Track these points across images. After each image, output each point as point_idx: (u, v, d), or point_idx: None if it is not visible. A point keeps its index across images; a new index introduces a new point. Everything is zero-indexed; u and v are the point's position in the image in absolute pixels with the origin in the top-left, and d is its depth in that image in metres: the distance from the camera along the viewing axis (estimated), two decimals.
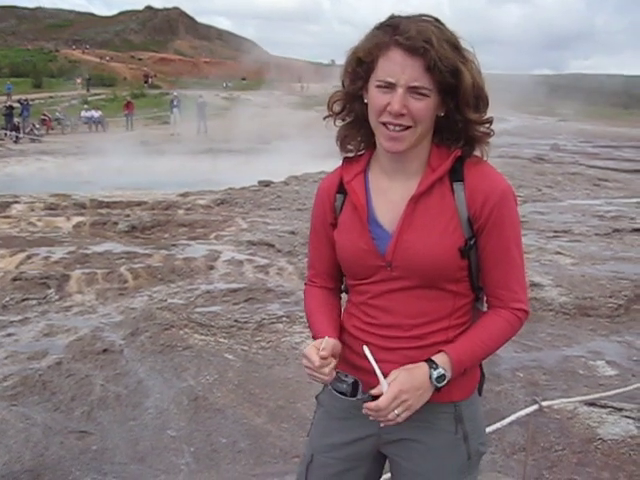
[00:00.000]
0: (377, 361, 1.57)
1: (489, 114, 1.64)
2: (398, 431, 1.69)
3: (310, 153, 17.43)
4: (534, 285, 6.36)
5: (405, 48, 1.50)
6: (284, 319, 5.59)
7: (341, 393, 1.67)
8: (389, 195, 1.68)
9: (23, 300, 6.03)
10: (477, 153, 1.67)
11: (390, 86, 1.54)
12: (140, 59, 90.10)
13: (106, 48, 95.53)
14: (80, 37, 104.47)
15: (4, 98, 38.19)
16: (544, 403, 3.34)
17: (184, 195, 12.08)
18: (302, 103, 41.73)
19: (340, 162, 1.80)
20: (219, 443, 3.79)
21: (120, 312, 5.79)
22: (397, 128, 1.56)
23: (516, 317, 1.66)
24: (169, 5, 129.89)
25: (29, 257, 7.24)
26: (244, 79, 72.83)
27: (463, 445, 1.70)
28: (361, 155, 1.77)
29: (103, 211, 10.53)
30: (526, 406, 3.47)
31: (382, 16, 1.59)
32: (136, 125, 33.69)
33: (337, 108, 1.71)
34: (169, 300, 6.03)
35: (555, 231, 9.40)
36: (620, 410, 4.10)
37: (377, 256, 1.65)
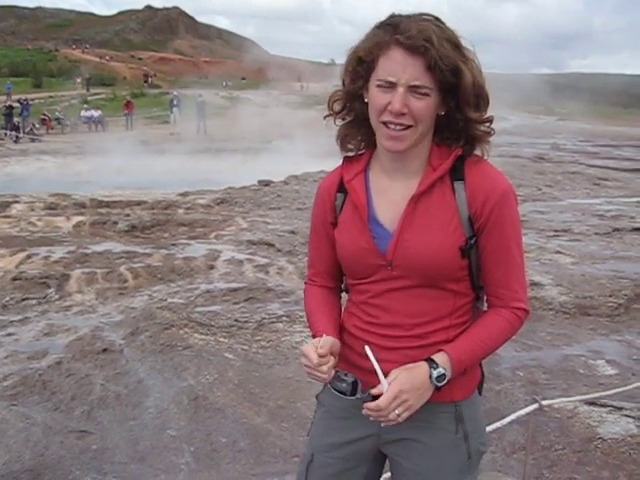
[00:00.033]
0: (378, 361, 1.57)
1: (489, 113, 1.64)
2: (398, 431, 1.69)
3: (310, 152, 17.42)
4: (534, 284, 6.36)
5: (406, 47, 1.50)
6: (284, 318, 5.59)
7: (341, 392, 1.67)
8: (389, 194, 1.68)
9: (23, 300, 6.03)
10: (478, 152, 1.67)
11: (391, 85, 1.53)
12: (140, 59, 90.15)
13: (106, 48, 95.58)
14: (80, 37, 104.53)
15: (4, 98, 38.20)
16: (544, 402, 3.34)
17: (184, 194, 12.08)
18: (302, 102, 41.74)
19: (340, 161, 1.80)
20: (219, 442, 3.79)
21: (120, 312, 5.79)
22: (398, 127, 1.56)
23: (516, 316, 1.66)
24: (169, 4, 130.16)
25: (29, 257, 7.24)
26: (244, 78, 72.90)
27: (463, 445, 1.70)
28: (361, 154, 1.76)
29: (103, 211, 10.53)
30: (526, 405, 3.47)
31: (382, 15, 1.59)
32: (136, 125, 33.68)
33: (337, 107, 1.71)
34: (169, 299, 6.03)
35: (555, 230, 9.40)
36: (620, 409, 4.10)
37: (378, 255, 1.65)
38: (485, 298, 1.73)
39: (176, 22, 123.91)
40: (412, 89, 1.52)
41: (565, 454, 3.67)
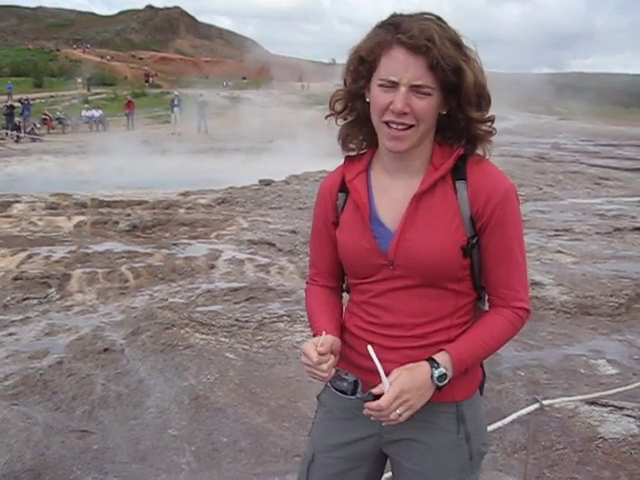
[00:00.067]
0: (380, 361, 1.56)
1: (491, 112, 1.64)
2: (400, 431, 1.69)
3: (311, 152, 17.43)
4: (535, 284, 6.35)
5: (408, 47, 1.50)
6: (285, 318, 5.59)
7: (341, 391, 1.67)
8: (391, 194, 1.68)
9: (24, 299, 6.04)
10: (479, 151, 1.66)
11: (393, 85, 1.53)
12: (141, 58, 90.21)
13: (107, 47, 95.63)
14: (81, 36, 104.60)
15: (5, 97, 38.26)
16: (545, 402, 3.33)
17: (185, 194, 12.08)
18: (303, 102, 41.73)
19: (342, 161, 1.80)
20: (220, 442, 3.79)
21: (121, 311, 5.80)
22: (400, 127, 1.56)
23: (518, 316, 1.66)
24: (170, 4, 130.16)
25: (30, 256, 7.24)
26: (244, 78, 72.90)
27: (465, 445, 1.70)
28: (363, 154, 1.76)
29: (104, 210, 10.54)
30: (527, 405, 3.47)
31: (382, 15, 1.59)
32: (137, 124, 33.69)
33: (339, 107, 1.71)
34: (170, 299, 6.03)
35: (556, 230, 9.39)
36: (621, 409, 4.10)
37: (379, 255, 1.65)
38: (487, 298, 1.73)
39: (177, 22, 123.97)
40: (414, 88, 1.52)
41: (566, 454, 3.67)
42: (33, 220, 9.54)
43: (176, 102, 32.42)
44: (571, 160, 19.65)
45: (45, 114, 33.13)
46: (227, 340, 5.19)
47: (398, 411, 1.53)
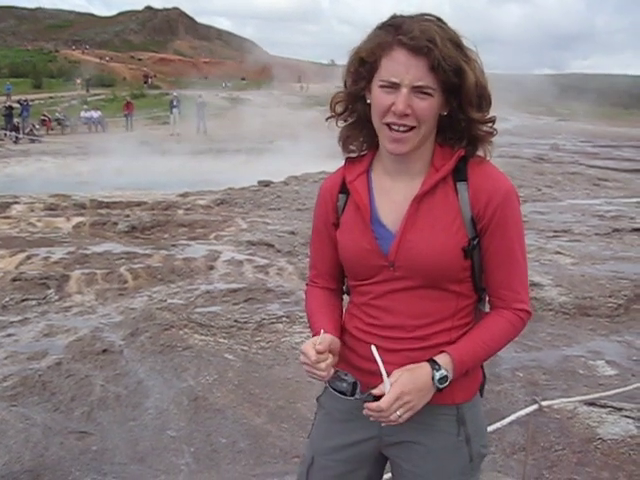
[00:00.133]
0: (383, 361, 1.55)
1: (491, 113, 1.64)
2: (400, 433, 1.68)
3: (310, 153, 17.44)
4: (534, 285, 6.35)
5: (409, 48, 1.50)
6: (284, 319, 5.59)
7: (340, 392, 1.66)
8: (392, 195, 1.67)
9: (23, 300, 6.03)
10: (480, 153, 1.66)
11: (394, 86, 1.53)
12: (140, 59, 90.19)
13: (106, 48, 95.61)
14: (80, 37, 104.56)
15: (4, 98, 38.20)
16: (544, 403, 3.34)
17: (184, 195, 12.08)
18: (302, 103, 41.75)
19: (342, 162, 1.80)
20: (219, 443, 3.79)
21: (120, 312, 5.79)
22: (401, 129, 1.55)
23: (518, 318, 1.66)
24: (169, 5, 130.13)
25: (29, 257, 7.23)
26: (243, 79, 72.88)
27: (465, 447, 1.69)
28: (364, 155, 1.76)
29: (103, 211, 10.54)
30: (526, 406, 3.47)
31: (381, 16, 1.59)
32: (136, 125, 33.67)
33: (339, 109, 1.70)
34: (169, 300, 6.03)
35: (555, 231, 9.40)
36: (620, 410, 4.10)
37: (380, 256, 1.64)
38: (487, 299, 1.73)
39: (176, 23, 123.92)
40: (415, 90, 1.52)
41: (565, 455, 3.67)
42: (32, 221, 9.54)
43: (175, 103, 32.41)
44: (570, 161, 19.68)
45: (44, 115, 33.10)
46: (226, 341, 5.19)
47: (398, 412, 1.52)
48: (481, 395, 1.79)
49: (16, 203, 10.71)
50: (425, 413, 1.59)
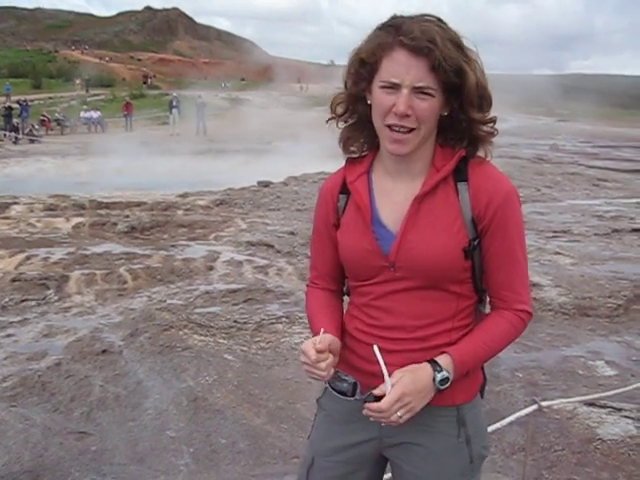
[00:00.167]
0: (385, 362, 1.55)
1: (491, 114, 1.64)
2: (400, 434, 1.68)
3: (310, 154, 17.43)
4: (533, 285, 6.35)
5: (409, 48, 1.50)
6: (283, 320, 5.59)
7: (340, 392, 1.65)
8: (393, 196, 1.67)
9: (22, 301, 6.03)
10: (480, 153, 1.66)
11: (395, 87, 1.53)
12: (139, 60, 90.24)
13: (105, 49, 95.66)
14: (79, 38, 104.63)
15: (3, 99, 38.23)
16: (543, 403, 3.34)
17: (183, 196, 12.07)
18: (302, 103, 41.76)
19: (341, 163, 1.80)
20: (218, 444, 3.79)
21: (119, 313, 5.79)
22: (402, 129, 1.55)
23: (519, 319, 1.65)
24: (168, 6, 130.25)
25: (28, 258, 7.23)
26: (243, 79, 72.91)
27: (465, 449, 1.69)
28: (364, 156, 1.75)
29: (102, 212, 10.53)
30: (525, 406, 3.47)
31: (381, 16, 1.59)
32: (135, 126, 33.67)
33: (340, 110, 1.70)
34: (168, 301, 6.03)
35: (554, 231, 9.40)
36: (619, 410, 4.10)
37: (381, 256, 1.64)
38: (488, 301, 1.73)
39: (175, 23, 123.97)
40: (416, 90, 1.52)
41: (564, 455, 3.67)
42: (31, 221, 9.54)
43: (175, 103, 32.41)
44: (570, 161, 19.68)
45: (43, 115, 33.10)
46: (225, 341, 5.19)
47: (399, 413, 1.52)
48: (481, 396, 1.78)
49: (15, 203, 10.71)
50: (425, 414, 1.59)
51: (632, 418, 4.01)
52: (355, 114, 1.69)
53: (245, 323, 5.48)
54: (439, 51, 1.48)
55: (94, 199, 11.35)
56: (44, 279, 6.45)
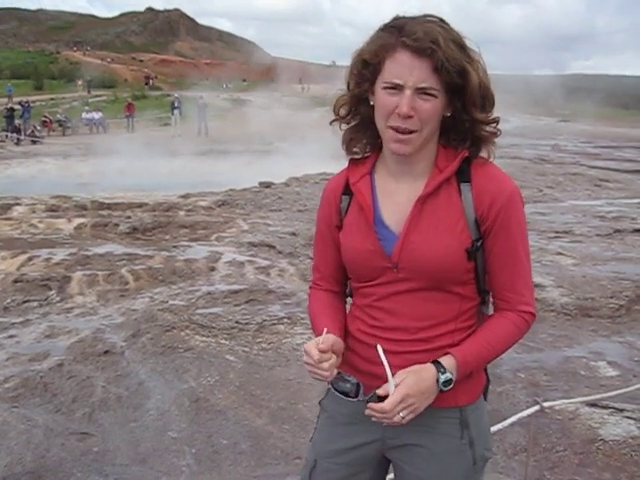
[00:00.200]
0: (389, 361, 1.54)
1: (494, 114, 1.63)
2: (402, 436, 1.68)
3: (311, 154, 17.44)
4: (535, 286, 6.25)
5: (412, 49, 1.49)
6: (285, 320, 5.59)
7: (344, 393, 1.65)
8: (395, 197, 1.67)
9: (24, 302, 6.04)
10: (483, 154, 1.66)
11: (398, 87, 1.52)
12: (141, 60, 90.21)
13: (107, 50, 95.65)
14: (81, 39, 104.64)
15: (5, 100, 38.26)
16: (545, 404, 3.33)
17: (185, 196, 12.08)
18: (303, 104, 41.74)
19: (343, 163, 1.80)
20: (220, 444, 3.79)
21: (121, 314, 5.80)
22: (405, 131, 1.55)
23: (523, 320, 1.65)
24: (170, 7, 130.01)
25: (30, 259, 7.24)
26: (245, 80, 72.92)
27: (469, 451, 1.68)
28: (367, 157, 1.75)
29: (104, 213, 10.54)
30: (527, 407, 3.47)
31: (383, 18, 1.58)
32: (137, 127, 33.68)
33: (343, 112, 1.70)
34: (170, 301, 6.03)
35: (556, 232, 9.40)
36: (621, 411, 4.10)
37: (383, 257, 1.64)
38: (491, 302, 1.72)
39: (177, 24, 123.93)
40: (419, 91, 1.52)
41: (566, 456, 3.67)
42: (33, 222, 9.55)
43: (176, 104, 32.43)
44: (571, 162, 19.67)
45: (45, 116, 33.12)
46: (227, 342, 5.19)
47: (402, 414, 1.51)
48: (485, 398, 1.77)
49: (18, 204, 10.72)
50: (428, 416, 1.59)
51: (634, 419, 4.00)
52: (358, 115, 1.69)
53: (247, 324, 5.48)
54: (442, 52, 1.48)
55: (96, 200, 11.36)
56: (46, 280, 6.46)
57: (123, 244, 8.32)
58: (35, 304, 6.02)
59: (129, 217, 9.99)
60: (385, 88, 1.55)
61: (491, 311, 1.73)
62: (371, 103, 1.62)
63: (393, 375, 1.53)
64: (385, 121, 1.57)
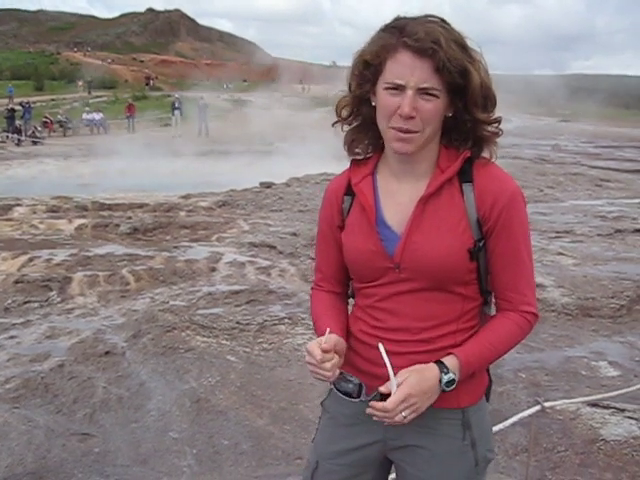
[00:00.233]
0: (390, 359, 1.53)
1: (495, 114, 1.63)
2: (404, 437, 1.68)
3: (312, 155, 17.43)
4: (536, 286, 6.33)
5: (414, 50, 1.49)
6: (286, 321, 5.59)
7: (346, 393, 1.64)
8: (398, 197, 1.67)
9: (25, 302, 6.04)
10: (485, 154, 1.66)
11: (399, 88, 1.52)
12: (141, 61, 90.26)
13: (107, 50, 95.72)
14: (81, 39, 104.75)
15: (6, 101, 38.29)
16: (546, 404, 3.33)
17: (186, 197, 12.08)
18: (304, 105, 41.74)
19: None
20: (221, 445, 3.79)
21: (122, 314, 5.80)
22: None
23: (526, 320, 1.65)
24: (170, 7, 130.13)
25: (31, 259, 7.24)
26: (245, 81, 72.95)
27: (471, 452, 1.68)
28: (369, 158, 1.75)
29: (105, 213, 10.54)
30: (528, 407, 3.47)
31: (383, 18, 1.58)
32: (138, 127, 33.69)
33: (345, 113, 1.70)
34: (171, 302, 6.03)
35: (557, 232, 9.39)
36: (623, 411, 4.09)
37: (385, 257, 1.63)
38: (493, 302, 1.72)
39: (177, 25, 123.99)
40: (421, 91, 1.52)
41: (568, 456, 3.67)
42: (34, 223, 9.55)
43: (177, 105, 32.44)
44: (572, 162, 19.66)
45: (46, 117, 33.13)
46: (228, 343, 5.19)
47: (403, 414, 1.51)
48: (487, 399, 1.77)
49: (18, 205, 10.72)
50: (430, 417, 1.59)
51: (635, 419, 4.00)
52: (360, 116, 1.69)
53: (248, 324, 5.48)
54: (443, 52, 1.48)
55: (96, 200, 11.36)
56: (47, 281, 6.46)
57: (124, 245, 8.32)
58: (36, 305, 6.02)
59: (130, 218, 9.99)
60: (387, 89, 1.55)
61: (493, 312, 1.72)
62: (373, 104, 1.62)
63: (395, 374, 1.53)
64: (387, 122, 1.57)
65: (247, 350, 5.08)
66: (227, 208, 11.25)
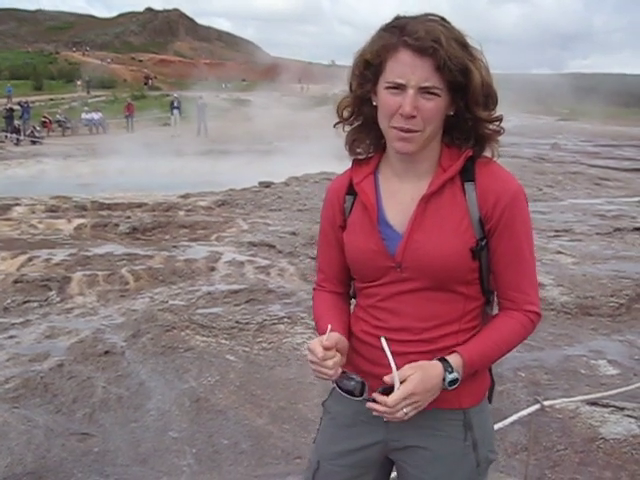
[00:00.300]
0: (393, 354, 1.52)
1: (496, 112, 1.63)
2: (406, 438, 1.67)
3: (311, 154, 17.43)
4: None
5: (414, 49, 1.49)
6: (285, 320, 5.59)
7: (348, 392, 1.63)
8: (399, 196, 1.66)
9: (24, 302, 6.03)
10: (487, 153, 1.66)
11: (400, 87, 1.52)
12: (140, 61, 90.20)
13: (106, 50, 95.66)
14: (80, 39, 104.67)
15: (4, 100, 38.22)
16: (546, 403, 3.33)
17: (185, 196, 12.08)
18: (302, 104, 41.73)
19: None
20: (221, 444, 3.79)
21: (121, 314, 5.80)
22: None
23: (529, 319, 1.64)
24: (169, 7, 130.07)
25: (30, 259, 7.24)
26: (244, 80, 72.91)
27: (472, 453, 1.67)
28: (370, 157, 1.74)
29: (104, 213, 10.53)
30: (528, 406, 3.47)
31: (382, 17, 1.58)
32: (137, 127, 33.66)
33: (346, 114, 1.70)
34: (170, 302, 6.03)
35: (556, 230, 9.39)
36: (622, 409, 4.10)
37: (387, 257, 1.63)
38: (496, 301, 1.72)
39: (176, 24, 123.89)
40: (422, 90, 1.51)
41: (567, 454, 3.67)
42: (33, 223, 9.54)
43: (176, 104, 32.44)
44: (571, 161, 19.67)
45: (45, 117, 33.12)
46: (227, 342, 5.19)
47: (405, 410, 1.50)
48: (489, 400, 1.76)
49: (17, 205, 10.71)
50: (432, 418, 1.59)
51: (635, 417, 4.01)
52: (361, 116, 1.69)
53: (247, 324, 5.48)
54: (444, 51, 1.47)
55: (96, 200, 11.36)
56: (46, 280, 6.46)
57: (123, 244, 8.32)
58: (35, 304, 6.02)
59: (129, 217, 9.99)
60: (388, 88, 1.54)
61: (495, 312, 1.72)
62: (374, 103, 1.62)
63: (398, 369, 1.52)
64: (388, 121, 1.57)
65: (246, 349, 5.08)
66: (226, 207, 11.25)
